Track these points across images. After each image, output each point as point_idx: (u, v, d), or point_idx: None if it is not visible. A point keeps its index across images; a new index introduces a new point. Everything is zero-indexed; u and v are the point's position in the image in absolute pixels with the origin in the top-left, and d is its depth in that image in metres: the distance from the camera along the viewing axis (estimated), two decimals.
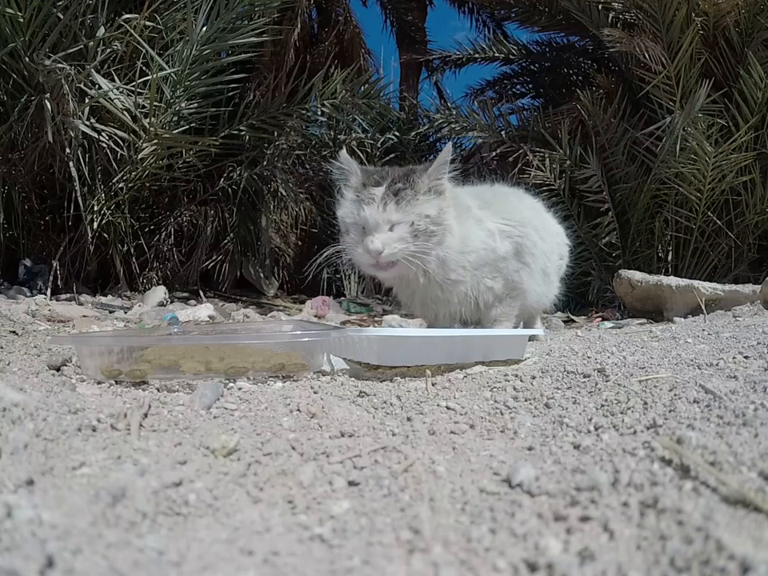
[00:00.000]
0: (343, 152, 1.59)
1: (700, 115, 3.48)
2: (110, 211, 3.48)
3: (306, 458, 0.74)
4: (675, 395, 0.92)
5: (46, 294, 2.98)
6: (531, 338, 1.71)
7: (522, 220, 1.66)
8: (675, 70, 3.58)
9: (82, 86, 2.98)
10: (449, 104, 5.15)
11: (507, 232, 1.61)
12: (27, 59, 2.77)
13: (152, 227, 4.19)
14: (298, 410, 0.96)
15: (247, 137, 4.17)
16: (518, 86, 5.95)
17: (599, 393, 1.02)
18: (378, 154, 5.00)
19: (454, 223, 1.49)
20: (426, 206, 1.45)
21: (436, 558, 0.51)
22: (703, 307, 2.27)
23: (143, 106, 3.20)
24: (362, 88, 4.48)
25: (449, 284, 1.52)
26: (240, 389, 1.09)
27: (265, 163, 4.39)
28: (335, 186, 1.62)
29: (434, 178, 1.49)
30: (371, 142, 4.99)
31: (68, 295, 3.01)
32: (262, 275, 4.90)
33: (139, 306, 2.90)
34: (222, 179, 4.29)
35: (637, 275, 2.81)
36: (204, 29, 3.13)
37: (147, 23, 3.16)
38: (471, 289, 1.55)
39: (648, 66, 3.57)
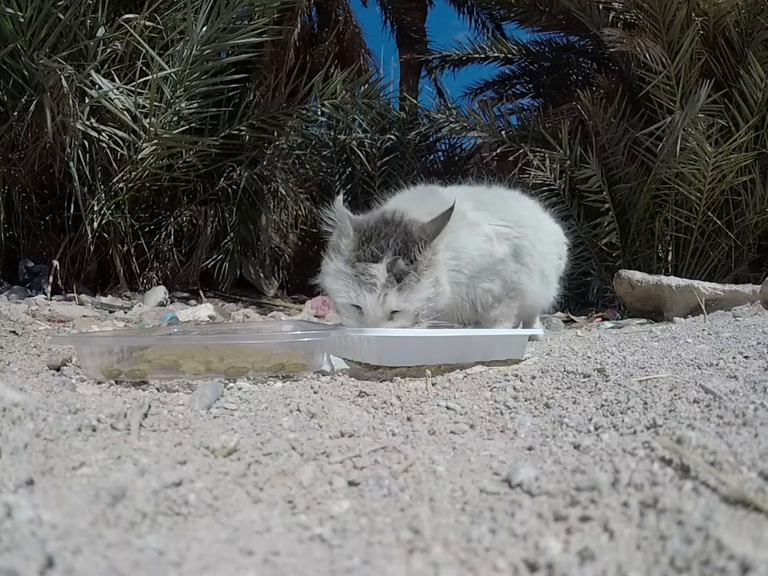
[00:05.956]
0: (338, 200, 1.37)
1: (700, 115, 3.48)
2: (109, 211, 3.48)
3: (306, 458, 0.74)
4: (675, 395, 0.92)
5: (46, 294, 2.98)
6: (531, 338, 1.72)
7: (520, 220, 1.66)
8: (675, 70, 3.58)
9: (82, 86, 2.98)
10: (449, 104, 5.13)
11: (505, 234, 1.60)
12: (27, 59, 2.77)
13: (152, 227, 4.18)
14: (298, 410, 0.96)
15: (247, 137, 4.16)
16: (518, 86, 5.94)
17: (599, 393, 1.02)
18: (378, 154, 5.00)
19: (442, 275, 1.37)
20: (428, 289, 1.30)
21: (436, 557, 0.51)
22: (703, 307, 2.27)
23: (143, 106, 3.19)
24: (362, 88, 4.48)
25: None
26: (240, 389, 1.09)
27: (265, 163, 4.39)
28: (326, 237, 1.43)
29: (436, 251, 1.32)
30: (371, 141, 4.98)
31: (68, 295, 3.01)
32: (261, 275, 4.90)
33: (139, 306, 2.90)
34: (222, 179, 4.29)
35: (637, 275, 2.81)
36: (204, 29, 3.13)
37: (147, 23, 3.16)
38: (467, 293, 1.53)
39: (648, 65, 3.57)
